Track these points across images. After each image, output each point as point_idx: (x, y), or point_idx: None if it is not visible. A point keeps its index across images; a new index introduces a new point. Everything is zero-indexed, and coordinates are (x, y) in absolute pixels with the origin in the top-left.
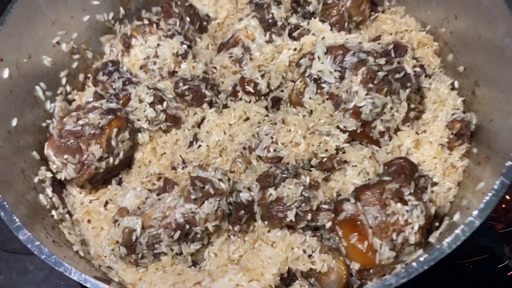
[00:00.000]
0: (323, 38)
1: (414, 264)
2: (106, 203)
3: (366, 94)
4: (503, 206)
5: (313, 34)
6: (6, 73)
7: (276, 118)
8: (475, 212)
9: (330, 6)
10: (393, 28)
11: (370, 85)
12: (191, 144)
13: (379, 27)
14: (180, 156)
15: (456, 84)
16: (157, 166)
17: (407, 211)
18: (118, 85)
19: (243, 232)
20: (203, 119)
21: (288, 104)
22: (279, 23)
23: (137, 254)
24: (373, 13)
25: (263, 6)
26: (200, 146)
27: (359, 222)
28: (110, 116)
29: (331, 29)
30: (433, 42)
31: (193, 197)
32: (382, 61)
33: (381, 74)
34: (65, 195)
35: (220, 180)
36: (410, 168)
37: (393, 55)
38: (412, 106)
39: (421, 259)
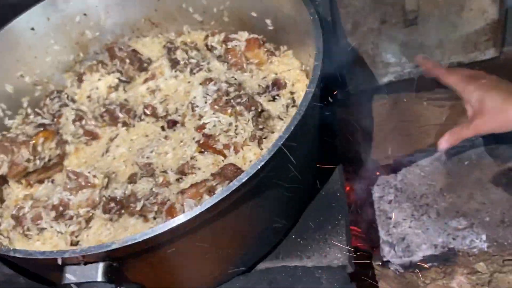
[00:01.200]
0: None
1: None
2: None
3: (213, 114)
4: None
5: (208, 70)
6: None
7: (164, 135)
8: None
9: (230, 50)
10: (279, 68)
11: (216, 107)
12: (103, 155)
13: (270, 68)
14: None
15: None
16: None
17: None
18: (56, 107)
19: (114, 221)
20: (116, 135)
21: (181, 125)
22: (182, 62)
23: (23, 227)
24: (271, 57)
25: (172, 49)
26: (109, 156)
27: (173, 209)
28: (40, 128)
29: (229, 69)
30: (305, 78)
31: (68, 186)
32: (231, 89)
33: (225, 98)
34: (5, 188)
35: (94, 176)
36: (234, 171)
37: (270, 89)
38: (260, 127)
39: None
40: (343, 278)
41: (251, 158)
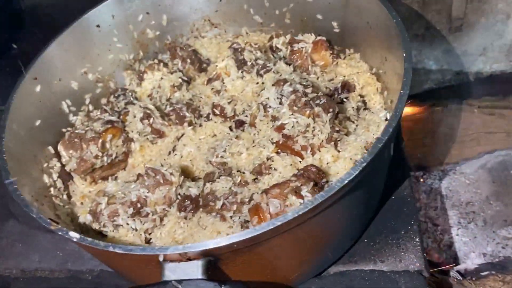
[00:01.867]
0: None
1: None
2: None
3: (291, 115)
4: None
5: (276, 72)
6: (38, 88)
7: (235, 135)
8: None
9: (295, 51)
10: (346, 71)
11: (295, 108)
12: (169, 153)
13: (337, 71)
14: (161, 163)
15: (388, 116)
16: (143, 169)
17: (300, 203)
18: (121, 105)
19: (189, 220)
20: (182, 134)
21: (249, 126)
22: (249, 63)
23: (100, 223)
24: (336, 59)
25: (238, 50)
26: (176, 155)
27: (259, 209)
28: (107, 125)
29: (294, 71)
30: (376, 82)
31: (146, 183)
32: (309, 90)
33: (303, 99)
34: (70, 184)
35: (171, 174)
36: (316, 173)
37: (340, 92)
38: (337, 129)
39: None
40: (421, 283)
41: (328, 159)
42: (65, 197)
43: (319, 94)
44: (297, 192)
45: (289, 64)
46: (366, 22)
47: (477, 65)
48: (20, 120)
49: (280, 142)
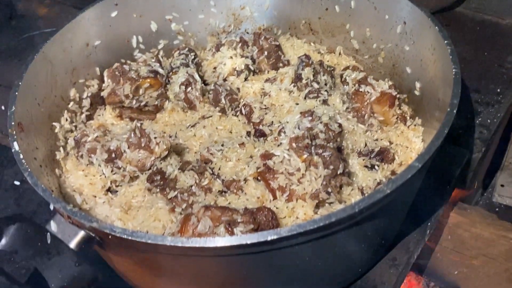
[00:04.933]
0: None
1: None
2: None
3: (287, 149)
4: None
5: (323, 102)
6: (114, 14)
7: (242, 141)
8: None
9: (359, 93)
10: (397, 139)
11: (294, 145)
12: (188, 127)
13: (389, 134)
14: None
15: None
16: (161, 128)
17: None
18: (177, 63)
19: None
20: (210, 116)
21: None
22: (304, 81)
23: (79, 152)
24: (398, 122)
25: (303, 63)
26: (191, 131)
27: (188, 220)
28: (150, 74)
29: (347, 111)
30: None
31: (130, 140)
32: (321, 135)
33: (306, 141)
34: (100, 108)
35: (157, 143)
36: (268, 221)
37: (372, 156)
38: (329, 190)
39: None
40: None
41: (298, 215)
42: (83, 116)
43: (327, 145)
44: (231, 226)
45: (347, 104)
46: (444, 93)
47: None
48: (81, 34)
49: (259, 170)
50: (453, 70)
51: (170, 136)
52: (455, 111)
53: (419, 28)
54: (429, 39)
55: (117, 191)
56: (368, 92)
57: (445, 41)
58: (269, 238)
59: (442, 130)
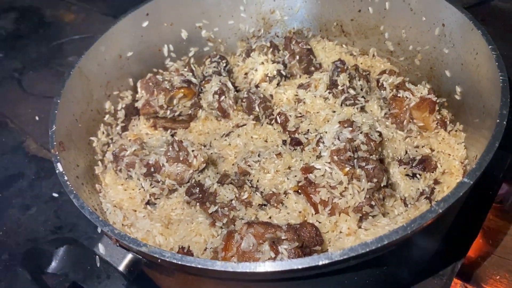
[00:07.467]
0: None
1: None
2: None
3: (329, 163)
4: None
5: (361, 109)
6: (145, 23)
7: (278, 151)
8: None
9: (397, 98)
10: (438, 147)
11: (335, 157)
12: (222, 135)
13: (430, 141)
14: (211, 141)
15: None
16: (195, 137)
17: (271, 257)
18: (209, 71)
19: (191, 206)
20: (244, 125)
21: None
22: (339, 87)
23: (118, 167)
24: (439, 128)
25: (338, 69)
26: (225, 140)
27: (231, 238)
28: (184, 84)
29: (386, 118)
30: (461, 175)
31: (168, 154)
32: (363, 147)
33: (348, 154)
34: (134, 119)
35: (195, 157)
36: (312, 237)
37: (414, 164)
38: (372, 203)
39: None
40: None
41: (342, 229)
42: (119, 128)
43: (371, 157)
44: (275, 244)
45: (385, 109)
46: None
47: None
48: (114, 47)
49: (300, 184)
50: (500, 77)
51: (205, 146)
52: (505, 122)
53: (460, 31)
54: (471, 43)
55: (155, 204)
56: (407, 98)
57: (490, 46)
58: (320, 263)
59: (492, 143)
